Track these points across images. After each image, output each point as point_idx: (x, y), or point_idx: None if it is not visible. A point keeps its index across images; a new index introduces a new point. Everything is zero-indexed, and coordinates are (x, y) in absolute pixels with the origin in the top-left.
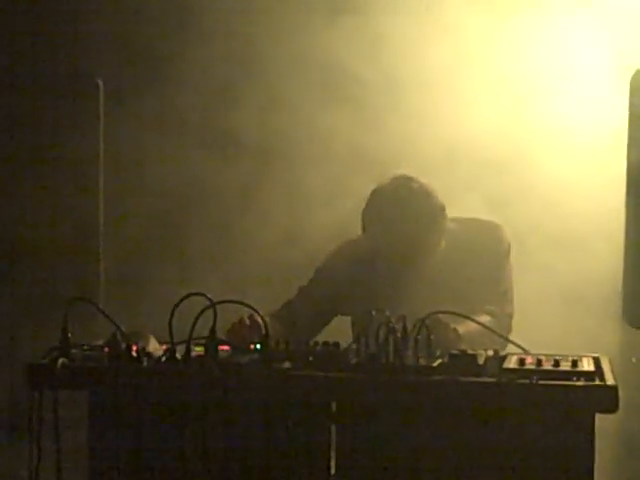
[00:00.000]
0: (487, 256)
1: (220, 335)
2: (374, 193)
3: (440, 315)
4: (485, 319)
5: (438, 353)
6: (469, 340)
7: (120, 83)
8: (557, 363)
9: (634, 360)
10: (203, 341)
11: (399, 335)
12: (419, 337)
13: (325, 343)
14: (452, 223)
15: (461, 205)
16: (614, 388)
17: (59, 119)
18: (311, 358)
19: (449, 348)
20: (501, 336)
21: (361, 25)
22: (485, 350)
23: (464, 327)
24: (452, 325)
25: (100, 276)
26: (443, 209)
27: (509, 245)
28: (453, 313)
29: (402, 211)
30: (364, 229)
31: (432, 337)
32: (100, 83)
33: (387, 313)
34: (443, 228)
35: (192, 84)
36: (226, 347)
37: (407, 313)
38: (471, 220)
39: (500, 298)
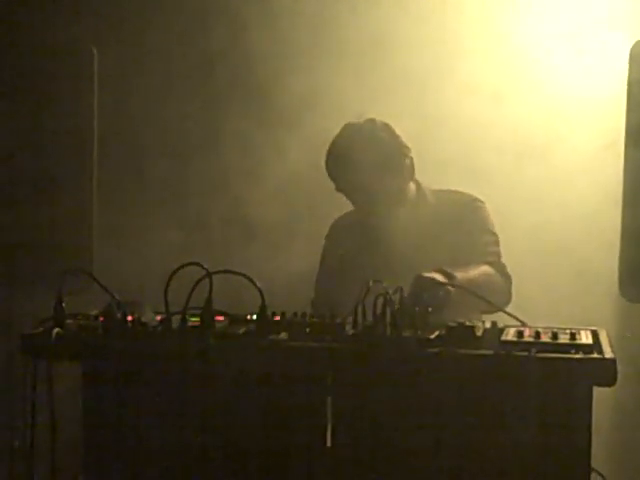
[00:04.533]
0: (469, 221)
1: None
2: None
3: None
4: (485, 268)
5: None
6: (474, 285)
7: (115, 51)
8: (555, 336)
9: (628, 334)
10: (199, 311)
11: (396, 306)
12: (417, 309)
13: (321, 315)
14: (431, 195)
15: (456, 172)
16: (612, 361)
17: (54, 87)
18: (308, 329)
19: (440, 305)
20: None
21: None
22: (482, 323)
23: (462, 273)
24: (439, 278)
25: (94, 243)
26: (403, 146)
27: (487, 210)
28: (443, 272)
29: (353, 137)
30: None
31: (425, 296)
32: (95, 51)
33: (384, 284)
34: (402, 163)
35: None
36: (222, 317)
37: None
38: (451, 192)
39: (494, 249)
